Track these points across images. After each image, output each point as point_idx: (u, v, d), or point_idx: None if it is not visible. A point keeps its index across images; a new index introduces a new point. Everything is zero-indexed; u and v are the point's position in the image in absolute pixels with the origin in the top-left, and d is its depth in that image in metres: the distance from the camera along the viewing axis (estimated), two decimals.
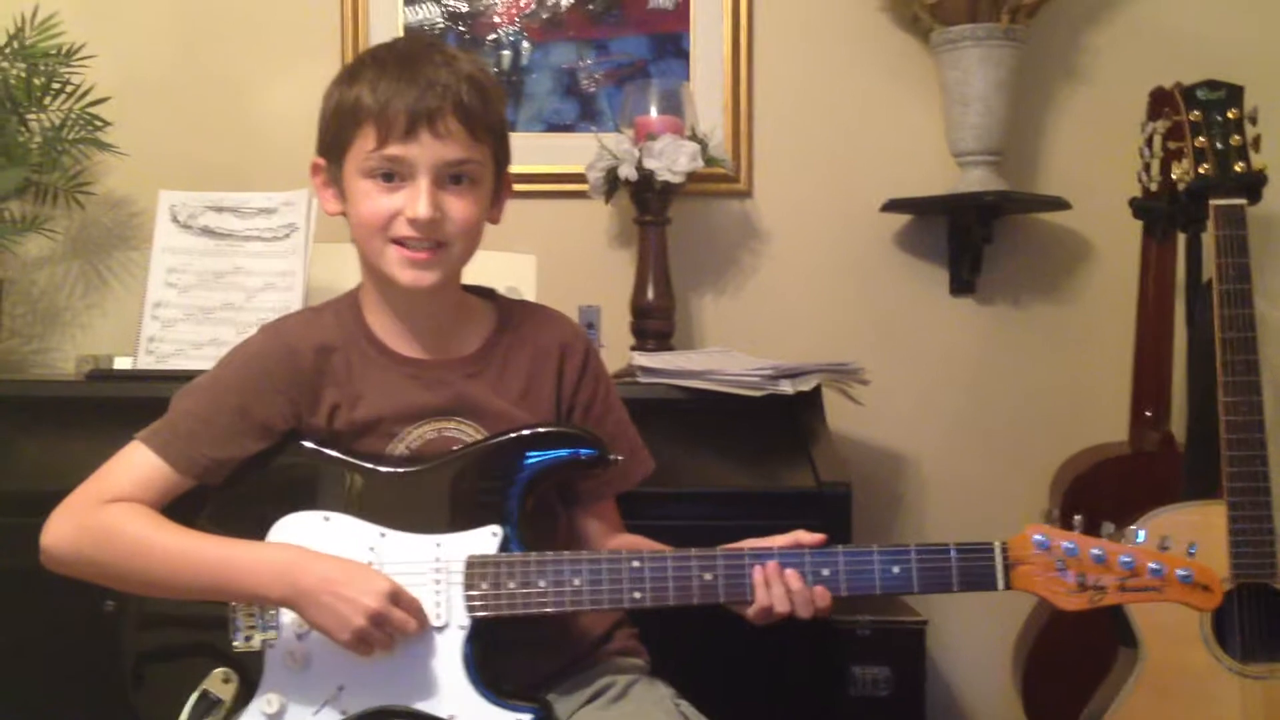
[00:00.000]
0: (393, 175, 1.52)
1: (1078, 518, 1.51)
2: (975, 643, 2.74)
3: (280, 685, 1.51)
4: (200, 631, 1.54)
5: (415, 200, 1.50)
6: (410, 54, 1.55)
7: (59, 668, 1.95)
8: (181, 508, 1.55)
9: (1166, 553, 1.48)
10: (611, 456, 1.57)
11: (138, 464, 1.54)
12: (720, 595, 1.50)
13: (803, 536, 1.52)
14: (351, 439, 1.58)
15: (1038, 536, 1.48)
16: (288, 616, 1.51)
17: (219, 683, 1.52)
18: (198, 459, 1.54)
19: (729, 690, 1.73)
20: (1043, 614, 2.50)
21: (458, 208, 1.53)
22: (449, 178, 1.53)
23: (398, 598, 1.45)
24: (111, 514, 1.49)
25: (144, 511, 1.50)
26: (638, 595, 1.49)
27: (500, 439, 1.56)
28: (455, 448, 1.57)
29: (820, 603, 1.49)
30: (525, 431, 1.56)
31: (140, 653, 1.58)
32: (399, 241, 1.53)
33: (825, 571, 1.49)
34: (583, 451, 1.55)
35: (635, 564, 1.50)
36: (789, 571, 1.48)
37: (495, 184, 1.61)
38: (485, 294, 1.70)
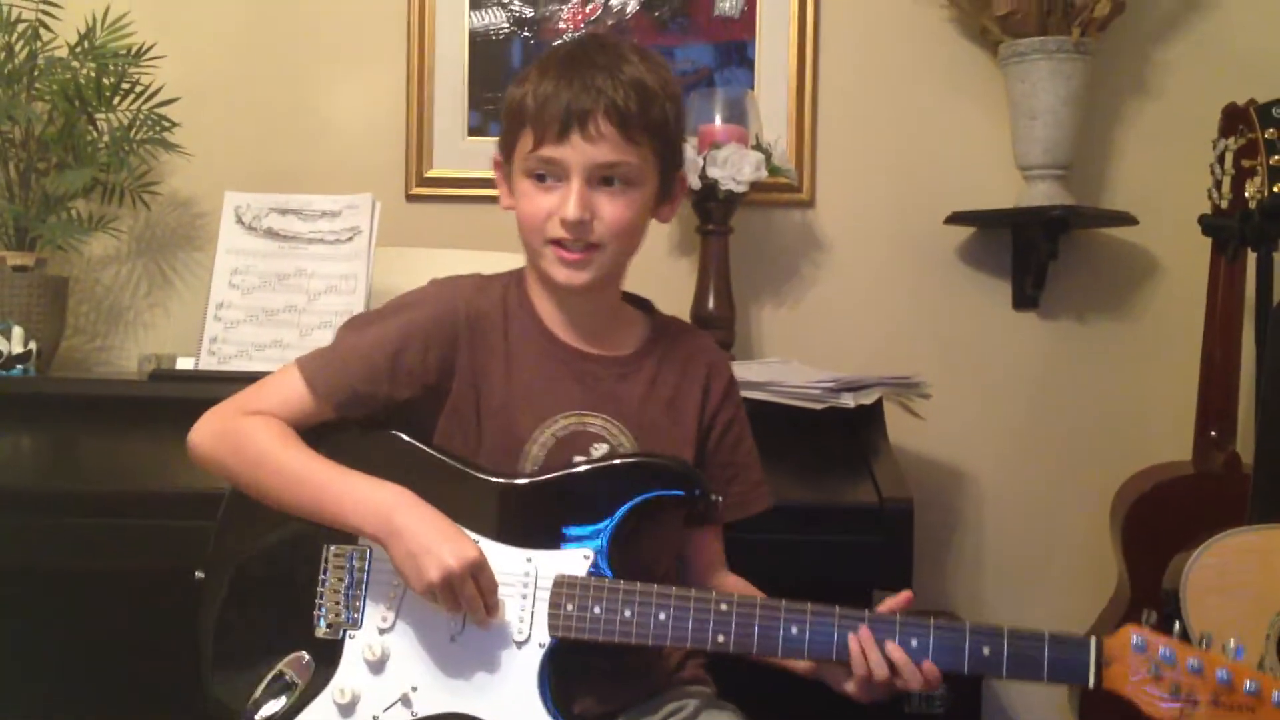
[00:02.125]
0: (546, 176, 1.54)
1: (1178, 624, 1.45)
2: None
3: (355, 677, 1.50)
4: (285, 612, 1.54)
5: (566, 201, 1.52)
6: (576, 55, 1.56)
7: (125, 666, 1.97)
8: None
9: (1266, 674, 1.42)
10: (714, 497, 1.56)
11: (286, 385, 1.59)
12: (805, 651, 1.46)
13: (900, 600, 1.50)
14: (499, 413, 1.58)
15: (1136, 638, 1.42)
16: (373, 610, 1.51)
17: (296, 665, 1.51)
18: (340, 387, 1.57)
19: (787, 710, 1.71)
20: (1103, 632, 2.46)
21: (610, 209, 1.54)
22: (601, 179, 1.53)
23: (480, 570, 1.44)
24: (248, 424, 1.55)
25: (277, 426, 1.55)
26: (721, 639, 1.46)
27: (608, 464, 1.56)
28: (578, 459, 1.57)
29: (930, 677, 1.44)
30: (633, 460, 1.56)
31: (223, 626, 1.57)
32: (555, 242, 1.55)
33: (914, 643, 1.44)
34: (686, 490, 1.54)
35: (724, 606, 1.47)
36: (890, 644, 1.44)
37: (661, 184, 1.60)
38: (642, 304, 1.71)
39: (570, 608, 1.48)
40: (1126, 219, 2.64)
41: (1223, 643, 1.42)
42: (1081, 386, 2.75)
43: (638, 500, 1.52)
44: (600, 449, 1.59)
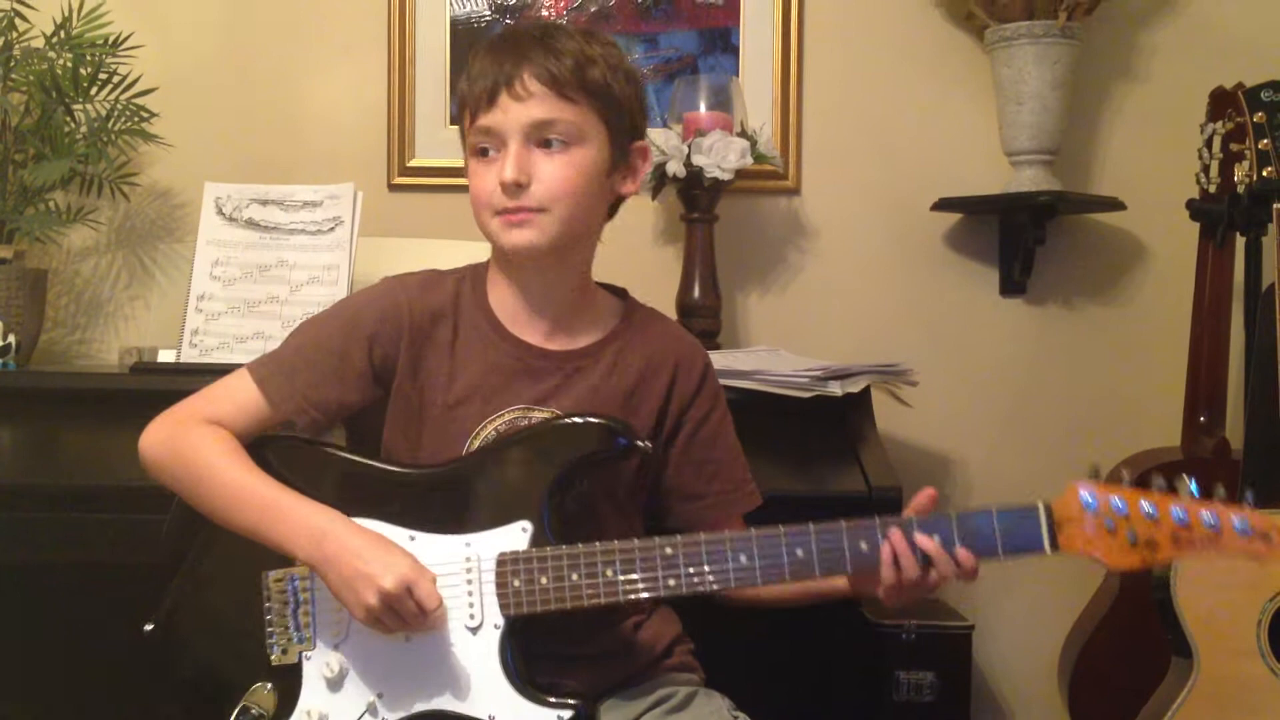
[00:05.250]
0: (488, 149, 1.54)
1: (1125, 472, 1.43)
2: (1021, 648, 2.72)
3: (318, 696, 1.49)
4: (238, 647, 1.53)
5: (505, 165, 1.51)
6: (510, 32, 1.59)
7: (103, 662, 1.90)
8: None
9: (1221, 501, 1.39)
10: (641, 443, 1.51)
11: (238, 391, 1.57)
12: (758, 577, 1.44)
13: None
14: (442, 412, 1.57)
15: (1085, 495, 1.40)
16: (323, 627, 1.50)
17: (259, 696, 1.50)
18: (291, 395, 1.55)
19: (777, 697, 1.71)
20: (1090, 621, 2.47)
21: (548, 168, 1.52)
22: (540, 142, 1.52)
23: (416, 584, 1.42)
24: (195, 435, 1.53)
25: (224, 440, 1.53)
26: (672, 582, 1.45)
27: (527, 433, 1.54)
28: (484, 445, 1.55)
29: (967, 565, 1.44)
30: (550, 424, 1.54)
31: (180, 673, 1.57)
32: (500, 212, 1.53)
33: (863, 545, 1.44)
34: (613, 444, 1.51)
35: (669, 550, 1.45)
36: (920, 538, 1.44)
37: (613, 151, 1.57)
38: (618, 293, 1.69)
39: (517, 583, 1.46)
40: (1114, 204, 2.63)
41: (1174, 483, 1.40)
42: (1069, 372, 2.74)
43: (567, 464, 1.50)
44: None
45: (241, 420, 1.55)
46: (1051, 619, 2.57)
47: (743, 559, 1.45)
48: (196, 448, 1.52)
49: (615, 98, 1.55)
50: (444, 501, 1.51)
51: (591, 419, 1.52)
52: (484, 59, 1.53)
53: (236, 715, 1.50)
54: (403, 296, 1.59)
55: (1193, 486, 1.40)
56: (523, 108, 1.50)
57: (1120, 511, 1.39)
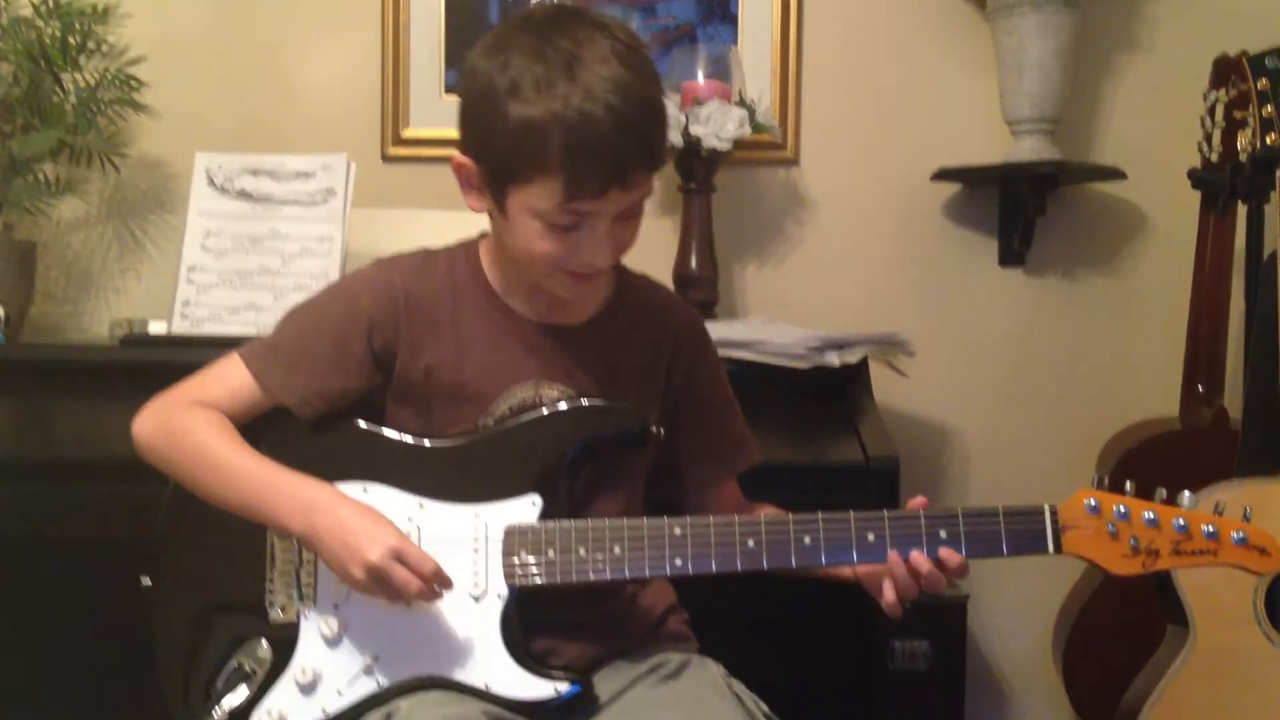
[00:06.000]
0: (569, 227, 1.45)
1: (1130, 483, 1.48)
2: (1017, 618, 2.72)
3: (314, 656, 1.49)
4: (235, 603, 1.53)
5: (595, 250, 1.45)
6: (622, 115, 1.38)
7: (96, 635, 1.96)
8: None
9: (1221, 516, 1.46)
10: (654, 429, 1.54)
11: (233, 379, 1.56)
12: (764, 561, 1.46)
13: None
14: (452, 390, 1.55)
15: (1089, 500, 1.45)
16: (325, 588, 1.50)
17: (252, 654, 1.51)
18: (293, 389, 1.55)
19: (771, 665, 1.68)
20: (1085, 591, 2.47)
21: (628, 236, 1.49)
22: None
23: (403, 555, 1.42)
24: (189, 418, 1.53)
25: (218, 422, 1.53)
26: (679, 562, 1.46)
27: (545, 414, 1.53)
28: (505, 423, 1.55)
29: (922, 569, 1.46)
30: (565, 406, 1.53)
31: (176, 625, 1.57)
32: (572, 272, 1.49)
33: (870, 536, 1.46)
34: (626, 428, 1.53)
35: (678, 530, 1.47)
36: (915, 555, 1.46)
37: None
38: None
39: (524, 555, 1.48)
40: (1115, 174, 2.61)
41: (1176, 497, 1.46)
42: (1068, 343, 2.73)
43: (580, 444, 1.51)
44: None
45: (236, 406, 1.55)
46: (1047, 589, 2.57)
47: (750, 544, 1.46)
48: (189, 430, 1.52)
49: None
50: (455, 472, 1.51)
51: (610, 403, 1.54)
52: (584, 132, 1.37)
53: (228, 674, 1.50)
54: (398, 280, 1.57)
55: (1190, 500, 1.46)
56: (628, 195, 1.43)
57: (1123, 518, 1.44)
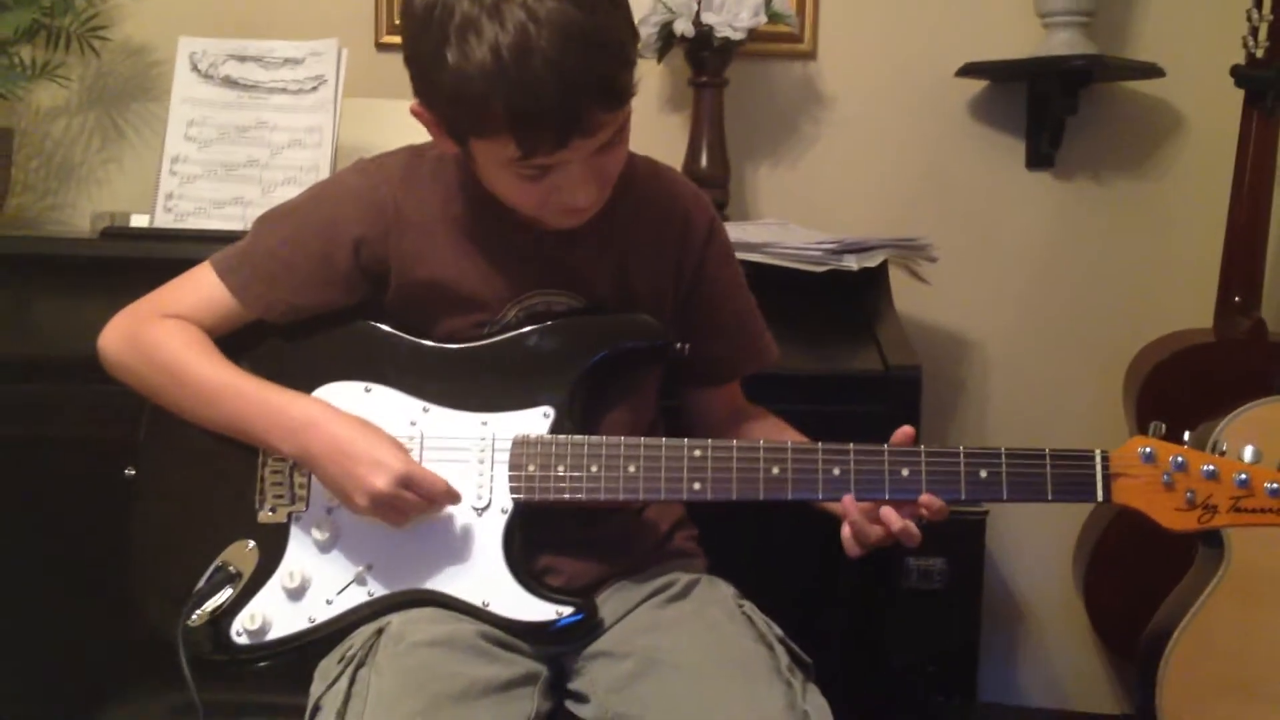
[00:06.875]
0: (544, 172, 1.35)
1: (1188, 433, 1.40)
2: (1036, 536, 2.66)
3: (303, 560, 1.44)
4: (224, 501, 1.47)
5: (574, 191, 1.36)
6: (561, 62, 1.25)
7: (75, 536, 1.90)
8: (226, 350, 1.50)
9: None
10: (679, 345, 1.48)
11: (206, 290, 1.49)
12: (789, 491, 1.39)
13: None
14: (458, 299, 1.47)
15: (1144, 448, 1.37)
16: (318, 489, 1.44)
17: (239, 554, 1.45)
18: (275, 303, 1.48)
19: (782, 584, 1.65)
20: (1110, 507, 2.40)
21: (614, 162, 1.39)
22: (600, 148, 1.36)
23: (411, 480, 1.36)
24: (160, 330, 1.46)
25: (192, 334, 1.46)
26: (697, 486, 1.40)
27: (563, 321, 1.47)
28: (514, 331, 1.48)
29: (932, 508, 1.38)
30: (589, 315, 1.47)
31: (159, 521, 1.51)
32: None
33: (905, 472, 1.38)
34: (649, 342, 1.47)
35: (697, 453, 1.40)
36: (885, 509, 1.38)
37: None
38: None
39: (532, 469, 1.42)
40: (1153, 70, 2.49)
41: (1238, 448, 1.38)
42: (1097, 250, 2.64)
43: (601, 355, 1.45)
44: None
45: (210, 318, 1.48)
46: (1070, 505, 2.48)
47: (775, 471, 1.39)
48: (161, 343, 1.45)
49: (632, 56, 1.36)
50: (463, 378, 1.46)
51: (635, 315, 1.48)
52: (524, 93, 1.25)
53: (211, 572, 1.44)
54: (385, 189, 1.48)
55: (1250, 453, 1.38)
56: (593, 140, 1.32)
57: (1179, 468, 1.37)
